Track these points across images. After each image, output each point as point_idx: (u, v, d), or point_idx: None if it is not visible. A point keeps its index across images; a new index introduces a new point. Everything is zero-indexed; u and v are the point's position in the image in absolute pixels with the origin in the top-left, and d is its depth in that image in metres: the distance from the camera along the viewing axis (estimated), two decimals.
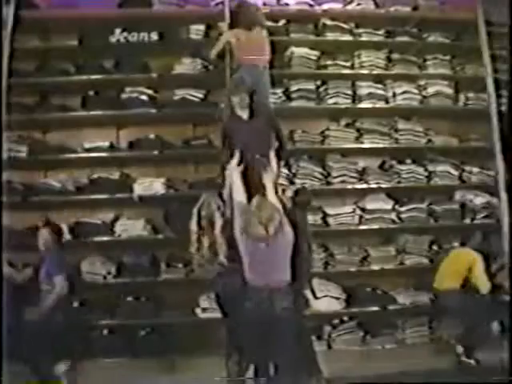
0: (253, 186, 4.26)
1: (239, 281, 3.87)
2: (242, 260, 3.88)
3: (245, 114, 4.50)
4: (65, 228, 5.23)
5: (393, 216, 5.85)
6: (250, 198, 4.06)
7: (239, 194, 4.12)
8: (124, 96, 5.83)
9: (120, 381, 4.77)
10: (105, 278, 5.46)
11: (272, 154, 4.38)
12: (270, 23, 5.75)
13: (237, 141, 4.43)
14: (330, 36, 6.04)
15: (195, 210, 4.13)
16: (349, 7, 6.17)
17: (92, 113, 5.70)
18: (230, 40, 5.32)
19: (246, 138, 4.39)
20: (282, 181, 5.41)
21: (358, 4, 6.14)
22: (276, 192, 4.18)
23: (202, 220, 4.08)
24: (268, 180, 4.15)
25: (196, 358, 4.94)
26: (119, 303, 5.43)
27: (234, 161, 4.28)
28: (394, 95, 6.06)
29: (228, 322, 4.23)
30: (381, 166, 6.10)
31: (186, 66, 5.92)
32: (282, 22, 6.03)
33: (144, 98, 5.82)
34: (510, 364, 4.43)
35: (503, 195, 5.81)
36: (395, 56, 6.17)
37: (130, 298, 5.45)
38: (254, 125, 4.46)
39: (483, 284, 5.19)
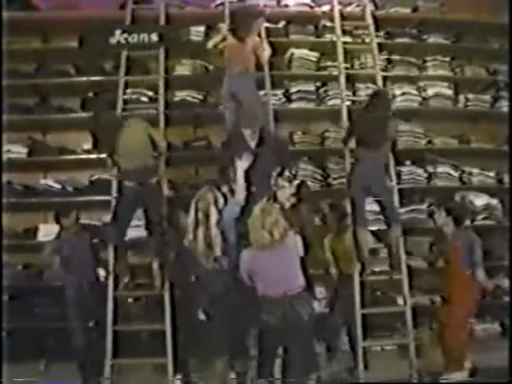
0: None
1: (251, 294, 3.78)
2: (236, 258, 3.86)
3: (253, 143, 4.52)
4: None
5: None
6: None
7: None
8: (124, 97, 5.81)
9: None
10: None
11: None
12: (269, 25, 5.77)
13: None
14: (330, 37, 6.03)
15: (193, 203, 4.12)
16: (348, 8, 6.17)
17: (92, 114, 5.69)
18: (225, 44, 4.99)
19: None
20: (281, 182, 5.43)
21: (358, 5, 6.14)
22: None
23: (198, 212, 4.08)
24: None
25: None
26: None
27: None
28: (394, 96, 6.05)
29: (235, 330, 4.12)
30: None
31: (186, 67, 5.93)
32: (281, 24, 6.05)
33: (144, 99, 5.82)
34: (509, 364, 4.42)
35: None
36: (395, 57, 6.19)
37: (130, 300, 5.45)
38: (261, 155, 4.44)
39: None
